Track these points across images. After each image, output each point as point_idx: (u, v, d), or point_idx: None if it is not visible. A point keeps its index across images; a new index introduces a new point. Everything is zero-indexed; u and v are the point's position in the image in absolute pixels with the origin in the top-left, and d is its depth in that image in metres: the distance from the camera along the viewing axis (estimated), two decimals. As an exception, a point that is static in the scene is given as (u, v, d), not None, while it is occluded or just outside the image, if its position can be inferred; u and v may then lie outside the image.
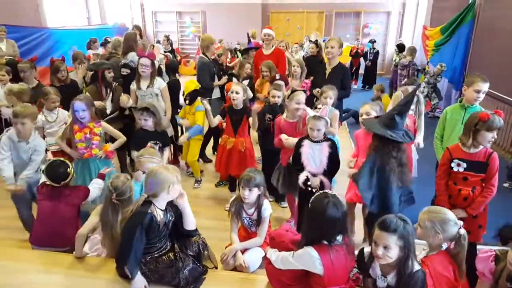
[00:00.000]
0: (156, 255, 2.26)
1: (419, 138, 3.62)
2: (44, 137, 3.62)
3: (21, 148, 3.03)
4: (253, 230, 2.75)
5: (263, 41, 5.36)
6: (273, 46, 5.37)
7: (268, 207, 2.67)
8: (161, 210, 2.20)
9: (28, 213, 3.25)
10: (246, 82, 4.76)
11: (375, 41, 11.07)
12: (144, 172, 2.84)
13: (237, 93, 3.70)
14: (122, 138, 3.55)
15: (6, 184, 2.99)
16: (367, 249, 2.00)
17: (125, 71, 4.67)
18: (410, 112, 3.52)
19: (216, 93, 5.05)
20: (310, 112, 2.92)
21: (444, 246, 2.02)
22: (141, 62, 4.21)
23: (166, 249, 2.31)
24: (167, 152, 3.49)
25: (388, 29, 13.21)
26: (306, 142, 2.93)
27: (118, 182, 2.42)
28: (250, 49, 6.06)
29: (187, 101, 4.24)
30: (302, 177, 2.88)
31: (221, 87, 5.15)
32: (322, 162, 2.86)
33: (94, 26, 10.91)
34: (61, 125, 3.82)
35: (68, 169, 2.72)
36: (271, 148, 3.67)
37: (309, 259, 1.96)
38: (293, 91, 3.55)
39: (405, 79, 5.76)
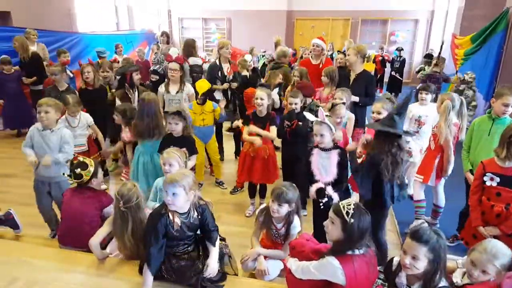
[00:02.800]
0: (179, 253, 2.30)
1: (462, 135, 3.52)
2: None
3: (45, 136, 3.11)
4: (278, 242, 2.70)
5: (311, 51, 5.28)
6: (323, 55, 5.25)
7: (297, 225, 2.60)
8: (180, 212, 2.21)
9: (44, 206, 3.33)
10: (276, 90, 4.74)
11: (402, 49, 10.83)
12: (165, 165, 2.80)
13: (261, 99, 3.66)
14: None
15: (28, 159, 3.10)
16: (396, 258, 1.96)
17: (154, 77, 4.78)
18: (455, 119, 3.39)
19: (217, 95, 5.05)
20: (310, 117, 2.87)
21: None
22: (170, 67, 4.36)
23: (189, 250, 2.33)
24: (193, 161, 3.40)
25: (416, 37, 12.97)
26: (315, 151, 2.88)
27: (124, 189, 2.38)
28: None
29: (199, 101, 4.22)
30: (313, 188, 2.82)
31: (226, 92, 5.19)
32: (331, 171, 2.79)
33: (123, 31, 11.19)
34: (83, 129, 3.93)
35: (86, 170, 2.69)
36: (290, 157, 3.62)
37: (331, 269, 1.91)
38: (333, 105, 3.45)
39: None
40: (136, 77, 4.51)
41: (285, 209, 2.51)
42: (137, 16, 12.72)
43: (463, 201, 3.39)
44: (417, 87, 4.39)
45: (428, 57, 8.41)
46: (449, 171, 3.46)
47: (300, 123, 3.59)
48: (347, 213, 1.92)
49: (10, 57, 6.24)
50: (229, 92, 5.16)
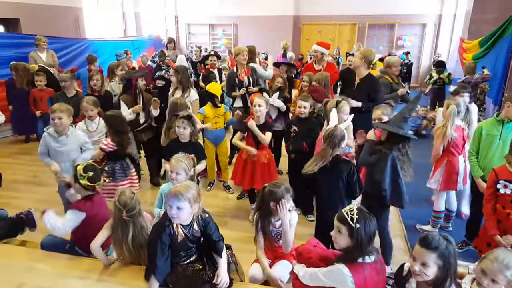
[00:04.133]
0: (184, 264, 2.27)
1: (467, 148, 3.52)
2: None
3: (62, 141, 3.21)
4: (280, 244, 2.67)
5: (311, 57, 5.23)
6: (324, 61, 5.22)
7: (294, 216, 2.57)
8: (183, 225, 2.19)
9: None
10: (276, 94, 4.72)
11: (409, 53, 10.77)
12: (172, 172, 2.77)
13: (259, 106, 3.68)
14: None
15: (60, 175, 3.17)
16: (407, 264, 1.93)
17: (160, 83, 4.81)
18: (460, 122, 3.42)
19: (238, 102, 5.04)
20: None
21: None
22: (172, 74, 4.38)
23: (193, 260, 2.31)
24: (201, 165, 3.39)
25: (423, 41, 12.91)
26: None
27: (126, 198, 2.31)
28: (281, 64, 6.05)
29: (218, 103, 4.30)
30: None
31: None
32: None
33: (130, 37, 11.30)
34: (101, 135, 3.88)
35: (88, 174, 2.60)
36: (298, 164, 3.59)
37: (340, 276, 1.88)
38: (338, 102, 3.43)
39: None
40: (141, 82, 4.54)
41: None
42: (144, 22, 12.84)
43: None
44: (450, 90, 4.34)
45: (440, 65, 8.23)
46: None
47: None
48: (352, 219, 1.89)
49: (20, 64, 6.32)
50: (247, 98, 5.10)
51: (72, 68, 5.55)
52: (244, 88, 4.94)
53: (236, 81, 4.97)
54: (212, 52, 5.65)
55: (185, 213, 2.12)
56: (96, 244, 2.39)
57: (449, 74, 7.93)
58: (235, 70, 5.07)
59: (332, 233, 2.01)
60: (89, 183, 2.58)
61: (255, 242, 2.58)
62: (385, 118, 3.09)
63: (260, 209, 2.53)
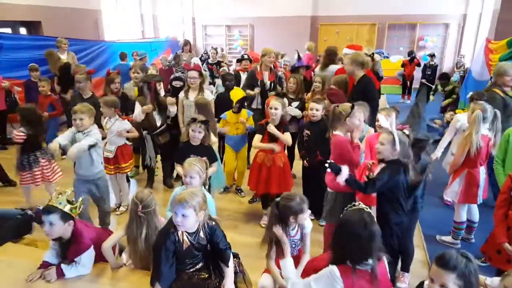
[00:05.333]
0: (190, 272, 2.24)
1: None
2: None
3: (79, 138, 3.27)
4: (295, 254, 2.56)
5: (343, 62, 4.98)
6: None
7: (308, 224, 2.48)
8: (189, 232, 2.15)
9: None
10: (295, 104, 4.61)
11: (433, 55, 10.19)
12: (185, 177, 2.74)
13: (275, 109, 3.61)
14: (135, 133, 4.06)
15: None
16: (427, 283, 1.80)
17: (178, 84, 4.84)
18: (486, 131, 3.19)
19: (254, 104, 4.97)
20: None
21: None
22: (190, 75, 4.48)
23: (199, 268, 2.26)
24: (213, 168, 3.34)
25: (446, 42, 12.51)
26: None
27: (143, 195, 2.38)
28: (299, 68, 5.93)
29: (235, 109, 4.26)
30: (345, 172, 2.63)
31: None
32: None
33: (148, 39, 11.39)
34: (114, 134, 3.95)
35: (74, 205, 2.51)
36: (311, 168, 3.50)
37: (330, 278, 1.81)
38: (352, 107, 3.25)
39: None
40: (159, 87, 4.57)
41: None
42: (162, 24, 12.93)
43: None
44: (468, 95, 4.11)
45: (444, 77, 7.91)
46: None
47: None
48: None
49: (41, 65, 6.41)
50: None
51: (89, 70, 5.53)
52: (259, 88, 4.86)
53: (258, 82, 4.90)
54: (245, 56, 5.66)
55: (190, 221, 2.07)
56: (108, 245, 2.41)
57: (454, 87, 7.63)
58: (258, 68, 5.00)
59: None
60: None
61: (267, 258, 2.45)
62: (384, 122, 2.91)
63: (274, 224, 2.36)
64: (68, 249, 2.37)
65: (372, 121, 3.65)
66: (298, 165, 4.24)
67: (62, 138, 3.32)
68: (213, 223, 2.24)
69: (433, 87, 7.98)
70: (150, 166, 4.68)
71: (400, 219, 2.61)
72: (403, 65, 10.48)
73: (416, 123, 2.65)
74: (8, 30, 7.61)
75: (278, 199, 2.33)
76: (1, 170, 4.83)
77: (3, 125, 6.20)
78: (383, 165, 2.61)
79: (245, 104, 4.56)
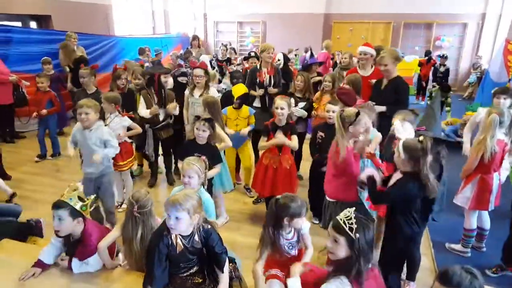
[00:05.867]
0: (184, 276, 2.17)
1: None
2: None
3: (86, 135, 3.22)
4: (293, 254, 2.45)
5: (358, 61, 4.70)
6: (372, 66, 4.54)
7: (305, 225, 2.37)
8: (183, 235, 2.07)
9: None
10: (301, 104, 4.48)
11: (445, 56, 9.84)
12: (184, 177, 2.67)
13: (282, 108, 3.49)
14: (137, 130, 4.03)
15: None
16: None
17: (184, 80, 4.76)
18: (502, 136, 3.05)
19: (256, 102, 4.83)
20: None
21: None
22: (195, 73, 4.39)
23: (193, 272, 2.20)
24: (216, 170, 3.25)
25: (464, 42, 12.14)
26: None
27: (139, 195, 2.33)
28: (312, 65, 5.80)
29: (235, 105, 4.17)
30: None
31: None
32: None
33: (158, 35, 11.37)
34: (116, 129, 3.87)
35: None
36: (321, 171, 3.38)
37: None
38: (357, 114, 2.94)
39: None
40: (164, 79, 4.47)
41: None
42: (173, 20, 12.89)
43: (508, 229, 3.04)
44: (493, 91, 3.94)
45: (446, 89, 7.63)
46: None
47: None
48: (351, 228, 1.73)
49: (52, 59, 6.43)
50: (266, 99, 4.85)
51: (93, 65, 5.49)
52: (263, 89, 4.74)
53: (257, 80, 4.78)
54: (252, 54, 5.58)
55: (183, 223, 1.99)
56: (104, 244, 2.34)
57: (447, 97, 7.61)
58: (258, 67, 4.88)
59: (327, 243, 1.84)
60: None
61: (257, 260, 2.35)
62: (399, 130, 2.76)
63: (270, 223, 2.28)
64: (76, 248, 2.33)
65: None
66: (305, 167, 4.11)
67: (71, 140, 3.33)
68: (209, 226, 2.16)
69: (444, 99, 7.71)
70: (151, 161, 4.62)
71: (412, 231, 2.49)
72: (420, 65, 10.19)
73: (432, 125, 2.47)
74: (18, 24, 7.65)
75: (279, 196, 2.25)
76: None
77: (11, 119, 6.20)
78: (399, 174, 2.46)
79: (248, 101, 4.43)
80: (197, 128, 3.23)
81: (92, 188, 3.30)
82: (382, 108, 3.75)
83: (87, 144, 3.23)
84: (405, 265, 2.81)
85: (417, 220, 2.46)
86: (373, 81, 4.23)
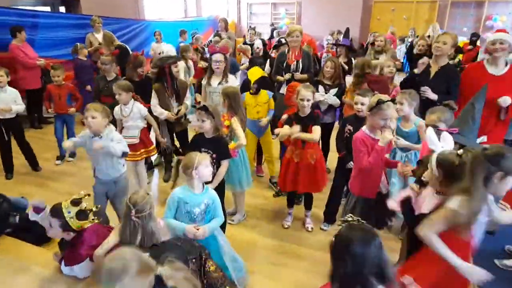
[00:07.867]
0: None
1: None
2: (121, 131, 3.74)
3: (95, 143, 2.93)
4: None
5: (492, 52, 3.39)
6: (507, 64, 3.46)
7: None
8: None
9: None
10: (333, 91, 4.12)
11: (477, 38, 8.06)
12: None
13: (308, 100, 3.16)
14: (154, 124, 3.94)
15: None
16: None
17: (204, 64, 4.51)
18: None
19: (283, 89, 4.49)
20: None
21: None
22: (214, 59, 4.05)
23: None
24: (223, 167, 2.98)
25: (519, 21, 10.95)
26: None
27: (137, 197, 2.15)
28: (340, 46, 5.43)
29: (252, 90, 3.91)
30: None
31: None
32: None
33: (190, 18, 11.15)
34: (136, 119, 3.79)
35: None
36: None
37: None
38: (379, 102, 2.61)
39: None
40: (175, 69, 4.23)
41: None
42: (205, 3, 12.61)
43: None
44: None
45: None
46: None
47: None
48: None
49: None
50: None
51: (113, 51, 5.32)
52: (290, 73, 4.39)
53: (284, 65, 4.44)
54: (283, 41, 5.31)
55: None
56: (100, 252, 2.18)
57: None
58: (286, 51, 4.55)
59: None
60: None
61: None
62: (442, 126, 2.38)
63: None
64: (66, 251, 2.30)
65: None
66: (333, 161, 3.74)
67: (79, 140, 3.09)
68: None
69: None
70: (165, 154, 4.47)
71: None
72: (459, 51, 8.91)
73: (470, 126, 2.04)
74: (47, 9, 7.67)
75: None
76: (31, 152, 4.77)
77: (40, 104, 6.22)
78: (430, 191, 2.05)
79: (266, 85, 4.10)
80: (197, 119, 2.98)
81: (103, 192, 3.13)
82: (435, 96, 3.41)
83: (97, 153, 2.96)
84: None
85: None
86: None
